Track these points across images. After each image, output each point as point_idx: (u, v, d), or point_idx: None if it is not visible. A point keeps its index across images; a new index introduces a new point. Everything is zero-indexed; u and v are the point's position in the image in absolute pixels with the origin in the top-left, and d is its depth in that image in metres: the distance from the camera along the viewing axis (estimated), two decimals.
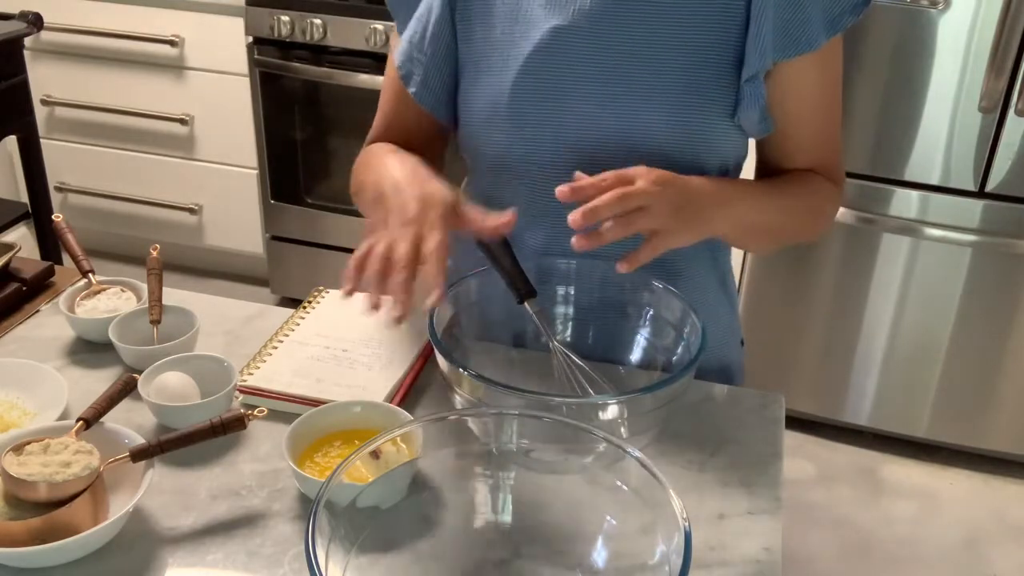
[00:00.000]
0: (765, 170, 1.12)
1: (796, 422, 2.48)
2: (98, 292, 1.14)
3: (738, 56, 1.01)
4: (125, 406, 0.98)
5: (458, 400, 0.91)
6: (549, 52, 1.02)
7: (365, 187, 1.01)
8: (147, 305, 1.09)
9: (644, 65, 1.01)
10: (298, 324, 1.12)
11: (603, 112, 1.03)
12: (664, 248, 0.92)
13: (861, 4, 1.00)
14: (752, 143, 1.11)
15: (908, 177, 2.17)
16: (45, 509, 0.80)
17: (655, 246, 0.91)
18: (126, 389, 0.93)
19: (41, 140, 2.49)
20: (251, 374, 1.02)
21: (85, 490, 0.81)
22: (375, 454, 0.80)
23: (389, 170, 0.96)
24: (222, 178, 2.86)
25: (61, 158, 2.95)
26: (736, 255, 2.32)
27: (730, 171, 1.09)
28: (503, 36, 1.05)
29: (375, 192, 0.94)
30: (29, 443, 0.84)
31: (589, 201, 0.87)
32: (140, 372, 0.98)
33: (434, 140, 1.16)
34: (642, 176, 0.91)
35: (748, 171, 1.13)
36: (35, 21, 2.37)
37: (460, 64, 1.09)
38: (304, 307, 1.16)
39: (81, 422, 0.87)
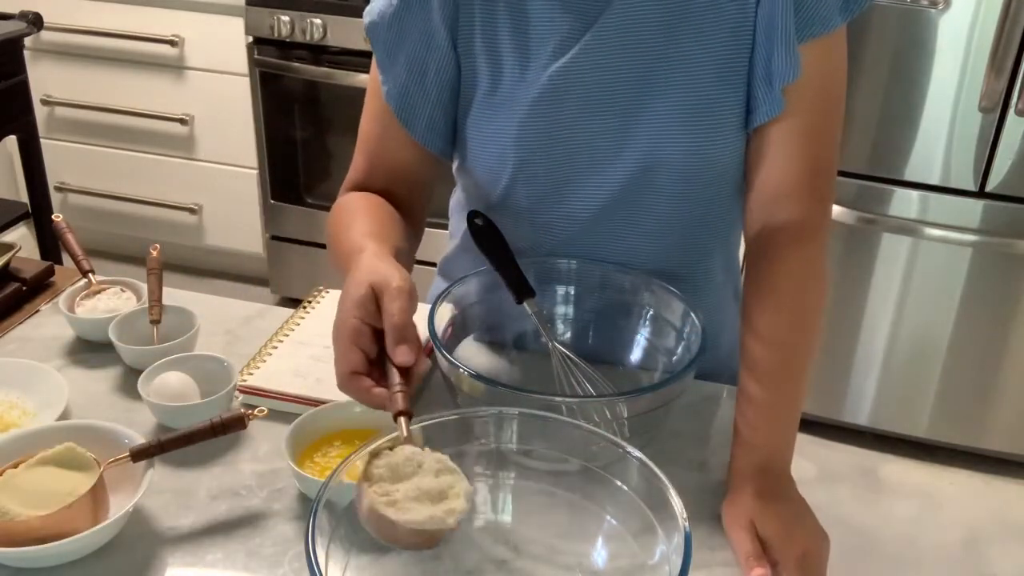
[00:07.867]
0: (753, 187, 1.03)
1: None
2: (98, 292, 1.14)
3: (750, 66, 0.97)
4: (125, 406, 0.98)
5: (458, 400, 0.91)
6: (557, 94, 0.98)
7: (336, 257, 0.99)
8: (147, 305, 1.09)
9: (658, 89, 0.97)
10: (298, 324, 1.12)
11: (618, 146, 0.99)
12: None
13: None
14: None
15: (908, 177, 2.17)
16: None
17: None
18: None
19: (41, 140, 2.49)
20: (251, 374, 1.02)
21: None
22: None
23: (348, 271, 0.88)
24: (222, 178, 2.86)
25: (61, 158, 2.94)
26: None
27: (739, 181, 1.04)
28: (510, 78, 1.00)
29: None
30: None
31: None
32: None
33: (421, 180, 1.09)
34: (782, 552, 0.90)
35: None
36: (35, 21, 2.37)
37: (464, 104, 1.04)
38: (304, 307, 1.16)
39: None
